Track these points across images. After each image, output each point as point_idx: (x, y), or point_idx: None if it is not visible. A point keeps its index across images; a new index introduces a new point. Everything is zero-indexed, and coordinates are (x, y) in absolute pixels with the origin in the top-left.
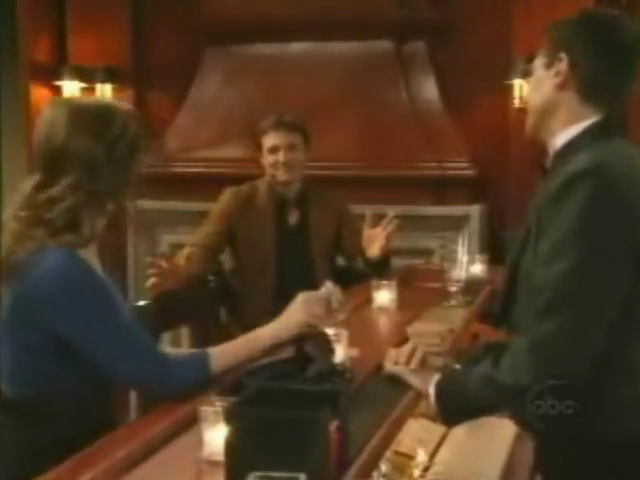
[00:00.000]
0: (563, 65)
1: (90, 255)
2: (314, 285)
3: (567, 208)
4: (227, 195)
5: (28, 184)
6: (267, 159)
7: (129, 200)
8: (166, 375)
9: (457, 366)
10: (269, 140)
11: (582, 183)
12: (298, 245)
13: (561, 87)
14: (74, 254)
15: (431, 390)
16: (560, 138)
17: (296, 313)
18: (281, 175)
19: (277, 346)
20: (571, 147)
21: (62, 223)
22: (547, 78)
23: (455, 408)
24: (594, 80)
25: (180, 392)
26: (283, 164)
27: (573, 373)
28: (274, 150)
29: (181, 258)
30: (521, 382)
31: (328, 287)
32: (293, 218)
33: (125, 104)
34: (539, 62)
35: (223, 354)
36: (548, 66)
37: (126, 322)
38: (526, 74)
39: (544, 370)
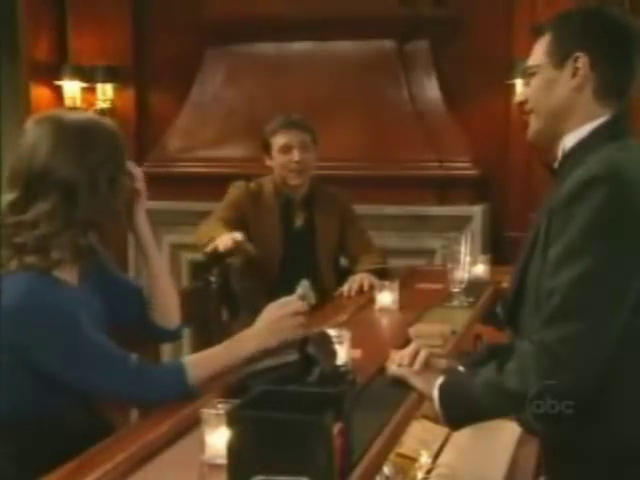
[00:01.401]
0: (582, 65)
1: (66, 272)
2: (318, 286)
3: (579, 214)
4: (237, 187)
5: (3, 201)
6: (278, 159)
7: (113, 225)
8: (140, 389)
9: (460, 368)
10: (281, 139)
11: (595, 190)
12: (304, 247)
13: (579, 88)
14: (39, 277)
15: (434, 393)
16: (570, 139)
17: (278, 325)
18: (293, 178)
19: (280, 348)
20: (581, 148)
21: (31, 248)
22: (561, 79)
23: (459, 412)
24: (611, 79)
25: (156, 404)
26: (297, 163)
27: (580, 380)
28: (287, 149)
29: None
30: (527, 388)
31: (304, 286)
32: (299, 220)
33: (110, 122)
34: (544, 60)
35: (201, 363)
36: (559, 66)
37: (95, 338)
38: (524, 74)
39: (550, 376)
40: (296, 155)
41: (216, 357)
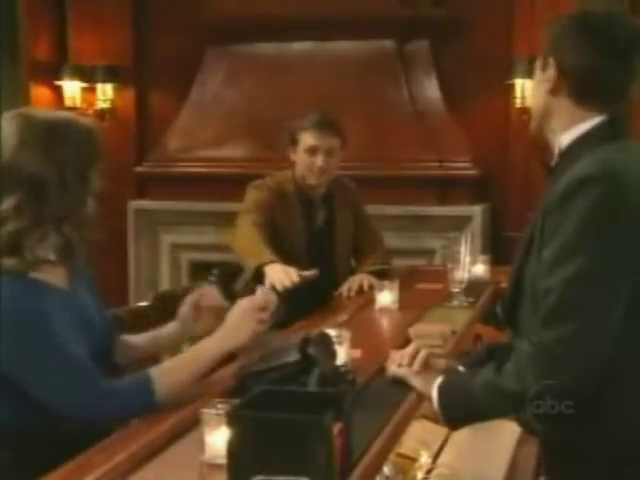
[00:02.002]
0: (551, 71)
1: (49, 274)
2: (334, 285)
3: (573, 213)
4: (260, 188)
5: None
6: (302, 158)
7: (85, 225)
8: (106, 406)
9: (460, 368)
10: (309, 140)
11: (588, 189)
12: (325, 246)
13: (552, 92)
14: (16, 281)
15: (434, 393)
16: (565, 138)
17: (242, 322)
18: (313, 179)
19: (281, 349)
20: (577, 147)
21: (3, 248)
22: (541, 82)
23: (457, 412)
24: (587, 83)
25: (123, 419)
26: (320, 167)
27: (578, 379)
28: (312, 151)
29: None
30: (525, 388)
31: (265, 291)
32: (320, 219)
33: (86, 119)
34: (538, 63)
35: (169, 374)
36: (543, 69)
37: (65, 352)
38: (530, 74)
39: (549, 377)
40: (320, 160)
41: (183, 366)
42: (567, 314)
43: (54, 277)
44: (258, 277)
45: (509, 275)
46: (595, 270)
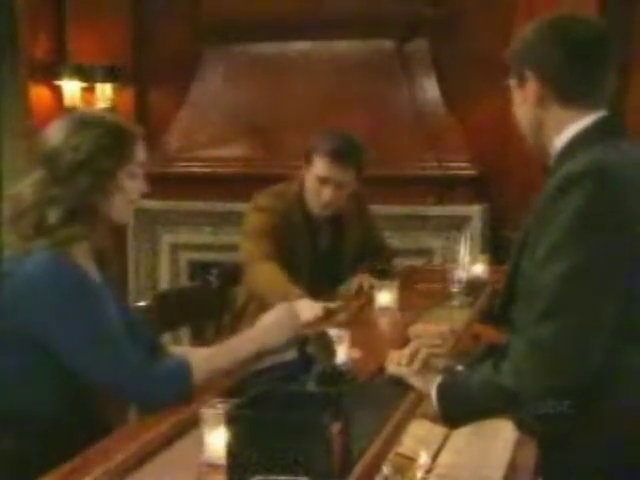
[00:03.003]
0: (531, 83)
1: (81, 257)
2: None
3: (564, 210)
4: (263, 212)
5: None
6: (312, 183)
7: (116, 218)
8: (144, 387)
9: (459, 367)
10: (321, 169)
11: (579, 185)
12: (330, 267)
13: (539, 104)
14: (55, 256)
15: (433, 392)
16: (558, 141)
17: (286, 322)
18: (317, 209)
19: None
20: (571, 147)
21: (29, 225)
22: (523, 98)
23: (457, 410)
24: (570, 85)
25: (158, 404)
26: (326, 202)
27: (573, 376)
28: (323, 181)
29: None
30: (522, 385)
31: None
32: (326, 239)
33: (129, 123)
34: (512, 83)
35: (206, 363)
36: (520, 86)
37: (108, 326)
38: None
39: (544, 373)
40: (329, 193)
41: (219, 356)
42: (560, 310)
43: (81, 257)
44: None
45: (506, 271)
46: (585, 266)
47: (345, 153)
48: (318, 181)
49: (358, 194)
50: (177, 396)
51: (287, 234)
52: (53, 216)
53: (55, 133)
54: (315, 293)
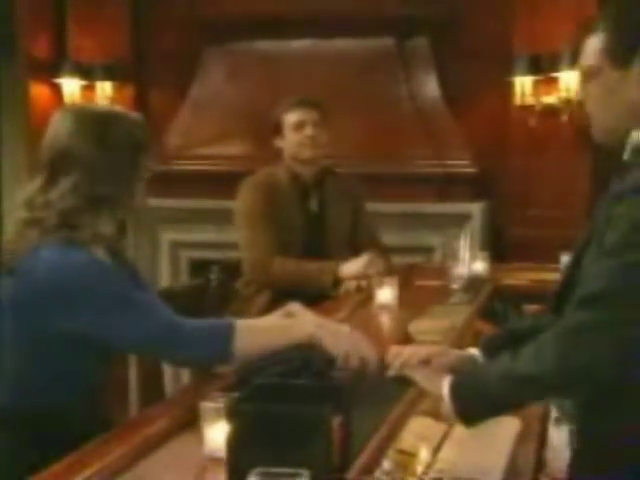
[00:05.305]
0: (637, 69)
1: (99, 254)
2: None
3: (626, 214)
4: (253, 189)
5: (30, 188)
6: (291, 137)
7: (136, 207)
8: (178, 339)
9: (473, 350)
10: (293, 116)
11: None
12: (319, 232)
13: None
14: (72, 245)
15: (445, 392)
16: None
17: (348, 337)
18: (307, 152)
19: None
20: None
21: (55, 222)
22: (625, 81)
23: (474, 408)
24: None
25: (194, 360)
26: (311, 138)
27: (598, 369)
28: (300, 126)
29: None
30: (543, 369)
31: None
32: (314, 203)
33: (133, 112)
34: (603, 62)
35: (252, 333)
36: (622, 66)
37: (134, 292)
38: (581, 74)
39: (568, 358)
40: (310, 130)
41: (268, 332)
42: (603, 301)
43: (99, 254)
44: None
45: (569, 262)
46: (637, 267)
47: (306, 99)
48: (296, 129)
49: (355, 195)
50: (213, 353)
51: (277, 200)
52: (86, 218)
53: (75, 133)
54: (309, 255)
